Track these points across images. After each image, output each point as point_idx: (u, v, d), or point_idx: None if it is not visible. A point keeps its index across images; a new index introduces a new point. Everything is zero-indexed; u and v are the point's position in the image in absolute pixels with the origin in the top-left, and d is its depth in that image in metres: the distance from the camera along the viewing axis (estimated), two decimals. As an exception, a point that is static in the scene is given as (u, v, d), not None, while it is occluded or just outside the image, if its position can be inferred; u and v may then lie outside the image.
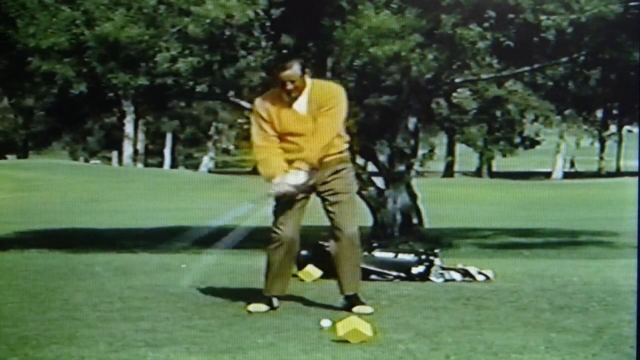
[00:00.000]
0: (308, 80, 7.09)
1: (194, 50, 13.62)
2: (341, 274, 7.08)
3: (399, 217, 15.51)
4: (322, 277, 8.28)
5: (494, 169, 44.99)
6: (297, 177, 7.00)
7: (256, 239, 7.72)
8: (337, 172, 7.09)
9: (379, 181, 15.81)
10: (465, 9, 13.51)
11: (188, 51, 13.58)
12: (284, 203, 7.04)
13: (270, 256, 7.12)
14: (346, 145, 7.18)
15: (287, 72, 6.98)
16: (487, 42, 13.66)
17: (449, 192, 29.30)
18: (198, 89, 14.59)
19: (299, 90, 7.02)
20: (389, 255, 8.73)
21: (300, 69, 7.01)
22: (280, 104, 7.06)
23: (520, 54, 14.43)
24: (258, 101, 7.18)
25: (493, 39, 13.74)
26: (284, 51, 13.90)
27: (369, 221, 15.75)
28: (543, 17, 13.57)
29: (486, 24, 13.62)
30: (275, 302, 7.09)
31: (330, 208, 7.07)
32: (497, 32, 13.75)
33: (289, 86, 6.99)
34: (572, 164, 41.60)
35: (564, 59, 15.17)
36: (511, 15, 13.69)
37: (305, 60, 7.33)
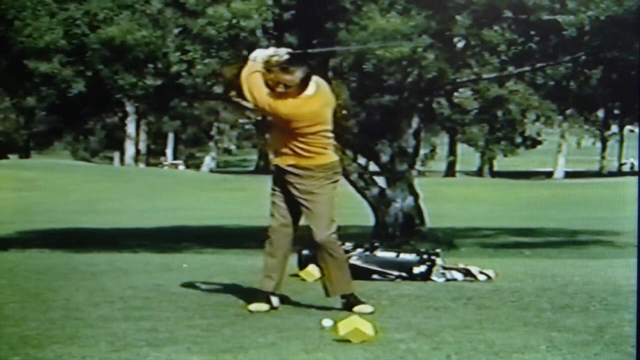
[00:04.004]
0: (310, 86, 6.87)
1: (210, 52, 13.58)
2: (327, 277, 6.99)
3: (400, 216, 15.51)
4: (324, 276, 8.25)
5: (495, 168, 45.05)
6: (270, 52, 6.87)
7: (257, 238, 7.72)
8: (313, 171, 6.90)
9: (380, 181, 15.81)
10: (478, 10, 13.49)
11: (206, 53, 13.54)
12: (280, 200, 7.00)
13: (266, 252, 7.09)
14: (329, 148, 6.97)
15: (288, 77, 6.76)
16: (517, 49, 13.62)
17: (450, 191, 29.32)
18: (217, 90, 14.61)
19: (288, 95, 6.79)
20: (391, 254, 8.72)
21: (302, 78, 6.73)
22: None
23: (522, 53, 14.45)
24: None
25: (510, 39, 13.73)
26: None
27: (370, 221, 15.76)
28: (546, 17, 13.58)
29: (496, 27, 13.61)
30: (276, 301, 7.08)
31: (305, 210, 6.94)
32: (513, 32, 13.76)
33: (280, 88, 6.79)
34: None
35: (565, 59, 15.18)
36: (510, 15, 13.70)
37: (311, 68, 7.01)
